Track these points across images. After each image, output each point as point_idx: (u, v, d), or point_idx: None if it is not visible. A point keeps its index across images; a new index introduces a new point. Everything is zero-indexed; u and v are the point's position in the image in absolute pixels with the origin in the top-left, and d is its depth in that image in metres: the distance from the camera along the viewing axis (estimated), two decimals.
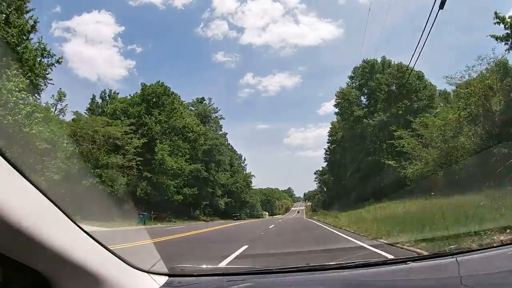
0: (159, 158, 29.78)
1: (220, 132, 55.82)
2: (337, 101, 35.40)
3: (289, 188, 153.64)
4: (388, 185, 23.67)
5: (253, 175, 69.53)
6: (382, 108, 31.02)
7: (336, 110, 36.65)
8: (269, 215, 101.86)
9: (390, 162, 26.20)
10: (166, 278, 1.14)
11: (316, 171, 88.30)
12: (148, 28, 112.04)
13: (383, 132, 29.35)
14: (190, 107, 48.71)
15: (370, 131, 31.13)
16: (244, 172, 66.72)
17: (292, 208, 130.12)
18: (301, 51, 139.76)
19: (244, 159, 74.69)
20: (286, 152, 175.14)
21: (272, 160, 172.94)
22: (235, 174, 57.70)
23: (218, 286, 1.19)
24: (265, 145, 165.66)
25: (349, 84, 35.99)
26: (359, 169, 31.73)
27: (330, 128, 48.00)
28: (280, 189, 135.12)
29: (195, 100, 52.71)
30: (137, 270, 1.01)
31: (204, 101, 53.54)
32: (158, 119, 32.32)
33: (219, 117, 55.24)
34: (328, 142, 48.89)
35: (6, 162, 0.63)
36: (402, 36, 70.86)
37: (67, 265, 0.74)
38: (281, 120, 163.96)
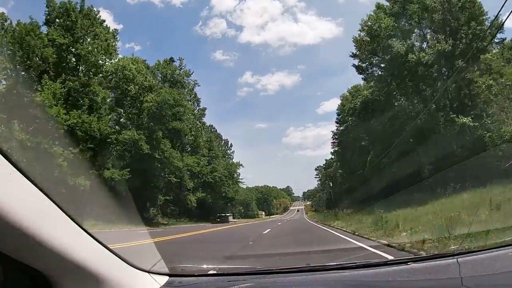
0: (40, 103, 25.21)
1: (198, 108, 55.56)
2: (358, 42, 32.87)
3: (288, 186, 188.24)
4: (454, 160, 20.02)
5: (241, 165, 71.78)
6: (434, 37, 27.62)
7: (355, 62, 34.37)
8: (266, 215, 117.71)
9: (463, 119, 21.85)
10: (167, 278, 1.66)
11: (318, 166, 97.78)
12: (147, 26, 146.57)
13: (441, 73, 26.24)
14: (156, 72, 46.37)
15: (420, 74, 26.91)
16: (230, 161, 68.79)
17: (291, 208, 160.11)
18: (300, 49, 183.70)
19: (231, 145, 78.05)
20: (285, 152, 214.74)
21: (271, 159, 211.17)
22: (214, 160, 57.50)
23: (219, 286, 1.72)
24: (264, 144, 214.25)
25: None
26: (393, 146, 28.43)
27: (339, 104, 48.26)
28: (279, 188, 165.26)
29: (161, 62, 50.09)
30: (137, 270, 1.48)
31: (173, 62, 51.82)
32: (55, 41, 28.75)
33: (194, 82, 54.20)
34: (336, 122, 49.53)
35: (7, 161, 0.90)
36: None
37: (68, 265, 1.08)
38: (280, 119, 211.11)
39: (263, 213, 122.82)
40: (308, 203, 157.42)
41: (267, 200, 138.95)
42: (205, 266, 2.19)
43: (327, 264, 1.96)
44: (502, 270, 1.61)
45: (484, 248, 1.87)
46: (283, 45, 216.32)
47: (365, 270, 1.81)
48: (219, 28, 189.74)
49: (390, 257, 4.72)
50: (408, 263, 1.78)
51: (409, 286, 1.69)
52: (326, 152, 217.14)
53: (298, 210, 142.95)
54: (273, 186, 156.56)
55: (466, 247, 1.99)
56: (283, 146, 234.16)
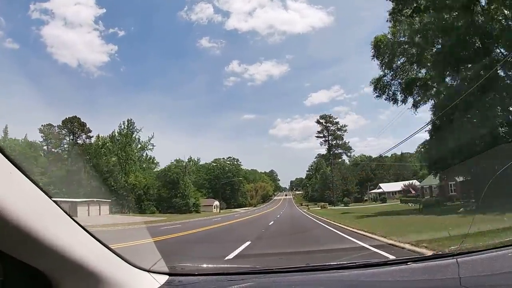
0: None
1: None
2: None
3: (272, 170, 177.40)
4: None
5: None
6: None
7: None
8: (227, 207, 79.29)
9: None
10: (167, 277, 1.67)
11: (322, 115, 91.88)
12: (131, 10, 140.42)
13: None
14: None
15: None
16: None
17: (275, 197, 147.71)
18: (289, 38, 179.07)
19: None
20: (272, 144, 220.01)
21: (257, 151, 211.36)
22: None
23: (219, 286, 1.73)
24: (251, 136, 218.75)
25: None
26: None
27: None
28: (260, 171, 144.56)
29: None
30: (137, 269, 1.49)
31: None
32: None
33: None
34: None
35: (7, 160, 0.94)
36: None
37: (68, 264, 1.09)
38: (267, 110, 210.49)
39: (217, 203, 78.06)
40: (298, 193, 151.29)
41: (233, 183, 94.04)
42: (205, 265, 2.23)
43: (327, 263, 1.97)
44: (501, 270, 1.63)
45: (484, 249, 1.89)
46: (271, 33, 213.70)
47: (365, 269, 1.82)
48: (205, 14, 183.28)
49: (391, 257, 4.78)
50: (408, 263, 1.80)
51: (408, 286, 1.70)
52: (312, 145, 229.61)
53: (286, 195, 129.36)
54: (251, 169, 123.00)
55: (466, 247, 1.99)
56: (270, 138, 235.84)
